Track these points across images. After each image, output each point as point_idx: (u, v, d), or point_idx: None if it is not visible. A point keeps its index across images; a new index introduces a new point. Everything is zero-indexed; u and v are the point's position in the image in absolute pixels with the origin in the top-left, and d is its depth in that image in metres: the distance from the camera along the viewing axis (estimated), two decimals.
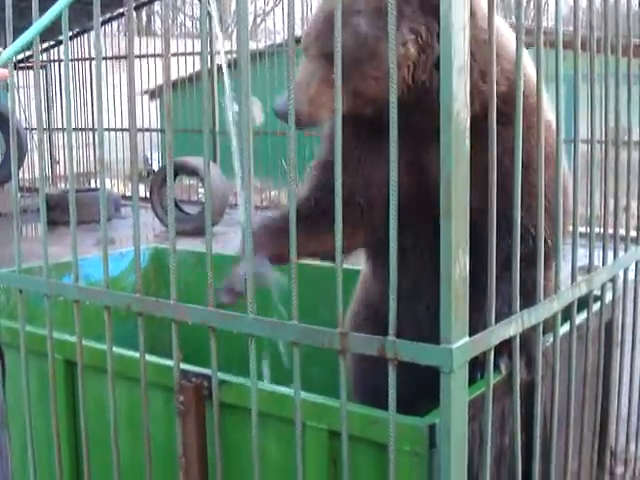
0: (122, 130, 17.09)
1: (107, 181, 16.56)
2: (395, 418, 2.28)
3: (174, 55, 15.93)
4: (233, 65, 15.18)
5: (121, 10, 16.41)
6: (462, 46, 2.06)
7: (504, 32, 2.89)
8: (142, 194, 14.87)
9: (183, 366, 2.79)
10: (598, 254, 3.16)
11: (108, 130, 16.19)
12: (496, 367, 2.60)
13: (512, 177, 2.45)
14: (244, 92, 2.54)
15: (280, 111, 2.68)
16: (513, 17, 2.48)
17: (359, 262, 3.53)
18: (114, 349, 2.94)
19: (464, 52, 2.07)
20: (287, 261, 2.49)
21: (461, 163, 2.08)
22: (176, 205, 12.86)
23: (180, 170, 13.05)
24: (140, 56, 16.28)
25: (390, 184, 2.20)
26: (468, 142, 2.11)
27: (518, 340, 2.53)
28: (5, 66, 2.73)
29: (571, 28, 2.78)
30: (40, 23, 2.71)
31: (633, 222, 3.59)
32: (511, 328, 2.47)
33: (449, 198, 2.06)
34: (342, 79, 2.27)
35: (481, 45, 2.58)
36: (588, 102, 3.04)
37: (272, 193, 16.46)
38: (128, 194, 16.17)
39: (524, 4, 2.49)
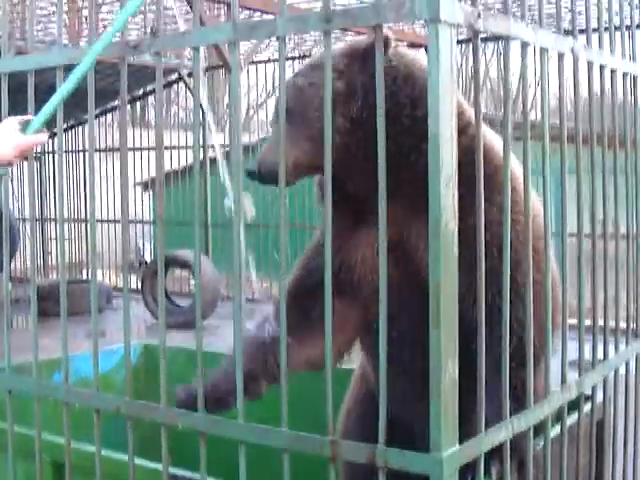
0: (114, 222, 17.14)
1: (99, 272, 16.56)
2: None
3: (167, 148, 16.07)
4: (226, 157, 15.32)
5: (115, 103, 16.59)
6: (450, 157, 2.10)
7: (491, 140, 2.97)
8: (134, 285, 14.84)
9: (172, 470, 2.77)
10: (589, 348, 3.16)
11: (100, 221, 16.23)
12: (487, 471, 2.58)
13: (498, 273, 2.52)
14: (236, 185, 2.57)
15: (247, 172, 2.89)
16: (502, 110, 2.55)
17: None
18: (103, 452, 2.92)
19: (452, 163, 2.11)
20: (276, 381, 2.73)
21: (449, 273, 2.11)
22: (168, 297, 12.87)
23: (172, 263, 13.09)
24: (134, 149, 16.40)
25: (380, 261, 2.23)
26: (457, 251, 2.14)
27: (509, 445, 2.53)
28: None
29: (558, 121, 2.84)
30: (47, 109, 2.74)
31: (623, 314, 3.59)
32: (501, 434, 2.47)
33: (438, 308, 2.08)
34: (297, 133, 2.69)
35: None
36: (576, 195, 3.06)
37: (264, 285, 16.44)
38: (120, 285, 16.14)
39: (512, 99, 2.55)
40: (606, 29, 3.29)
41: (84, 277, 17.49)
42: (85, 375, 4.16)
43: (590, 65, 3.08)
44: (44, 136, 2.80)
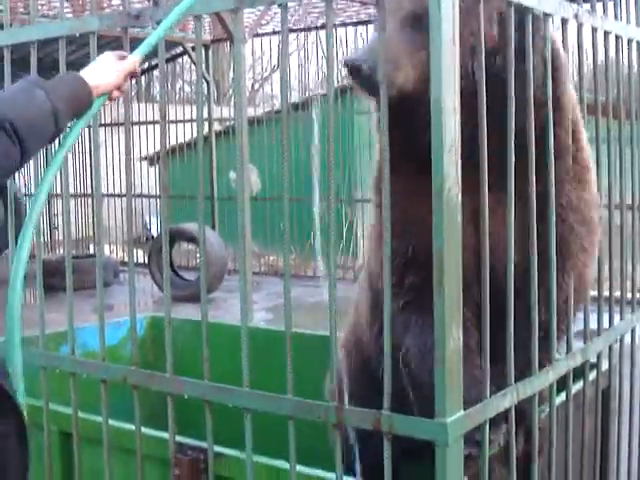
0: (121, 196, 17.12)
1: (106, 247, 16.59)
2: None
3: (173, 122, 16.03)
4: (231, 132, 15.23)
5: None
6: (452, 123, 2.09)
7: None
8: (141, 259, 14.86)
9: (179, 439, 2.78)
10: (595, 318, 3.16)
11: (107, 196, 16.20)
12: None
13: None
14: (241, 159, 2.57)
15: (351, 64, 2.47)
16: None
17: None
18: (110, 421, 2.93)
19: (455, 129, 2.10)
20: None
21: (452, 238, 2.11)
22: (174, 271, 12.87)
23: (178, 236, 13.07)
24: (139, 123, 16.36)
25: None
26: (460, 217, 2.13)
27: (514, 412, 2.53)
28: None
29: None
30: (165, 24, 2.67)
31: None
32: (506, 400, 2.47)
33: (441, 274, 2.08)
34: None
35: None
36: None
37: (271, 258, 16.45)
38: (127, 260, 16.13)
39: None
40: None
41: (91, 252, 17.50)
42: (92, 348, 4.17)
43: (594, 31, 3.06)
44: (140, 58, 2.74)
